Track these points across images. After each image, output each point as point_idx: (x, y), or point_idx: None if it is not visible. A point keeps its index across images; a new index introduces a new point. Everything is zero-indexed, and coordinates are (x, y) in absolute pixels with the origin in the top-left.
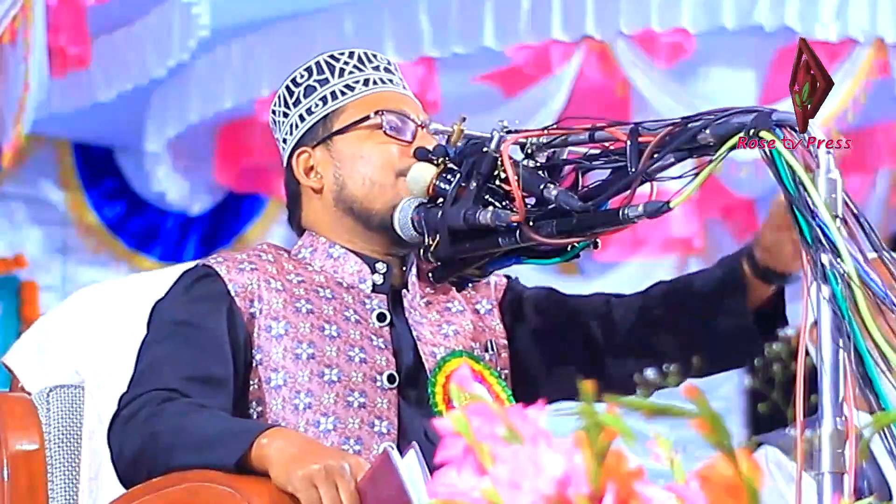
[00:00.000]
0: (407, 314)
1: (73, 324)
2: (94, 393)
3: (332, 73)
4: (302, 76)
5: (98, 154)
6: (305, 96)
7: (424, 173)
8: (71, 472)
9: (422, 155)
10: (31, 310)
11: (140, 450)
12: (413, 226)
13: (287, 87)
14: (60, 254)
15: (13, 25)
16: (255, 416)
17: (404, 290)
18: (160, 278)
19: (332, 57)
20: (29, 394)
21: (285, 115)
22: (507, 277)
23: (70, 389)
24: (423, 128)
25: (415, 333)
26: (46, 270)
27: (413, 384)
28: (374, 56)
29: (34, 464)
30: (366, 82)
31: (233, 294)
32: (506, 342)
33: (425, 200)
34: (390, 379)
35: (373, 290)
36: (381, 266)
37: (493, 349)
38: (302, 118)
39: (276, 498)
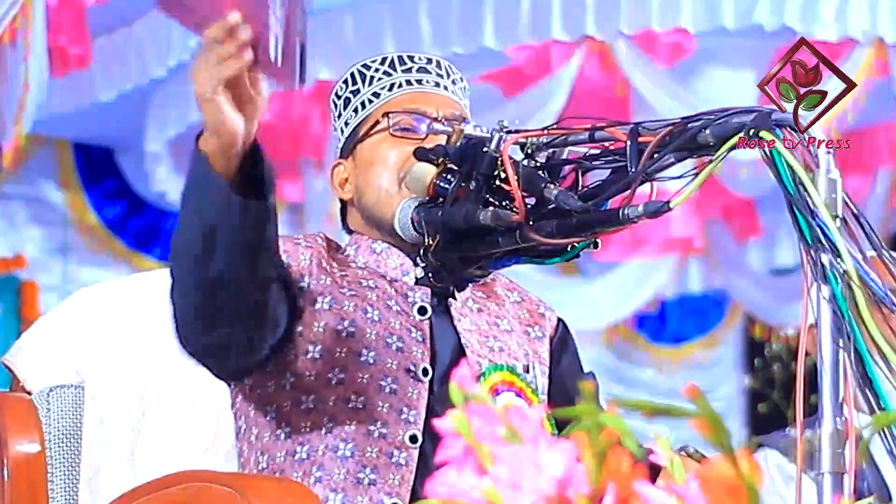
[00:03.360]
0: (456, 322)
1: (73, 324)
2: (94, 393)
3: (364, 82)
4: (341, 88)
5: (98, 154)
6: (344, 108)
7: (424, 173)
8: (71, 472)
9: (422, 155)
10: (31, 310)
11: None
12: (413, 226)
13: (332, 101)
14: (60, 254)
15: (13, 25)
16: (287, 387)
17: (451, 300)
18: (160, 278)
19: (364, 66)
20: (29, 394)
21: (334, 129)
22: (560, 320)
23: (70, 389)
24: (445, 121)
25: (463, 341)
26: (46, 270)
27: (448, 384)
28: (410, 58)
29: (34, 464)
30: (391, 87)
31: (286, 263)
32: (548, 370)
33: (425, 200)
34: (424, 372)
35: (415, 283)
36: (422, 260)
37: (532, 372)
38: (342, 131)
39: (277, 498)
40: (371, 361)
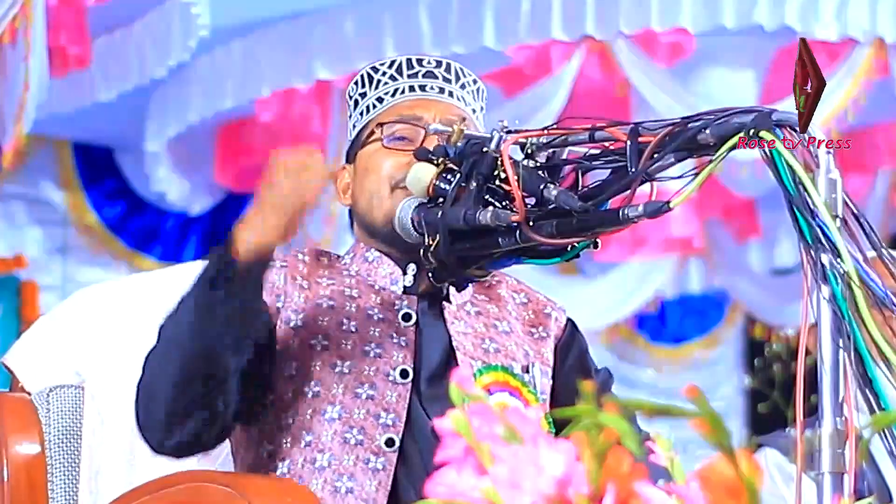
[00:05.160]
0: (449, 325)
1: (73, 324)
2: (94, 393)
3: (370, 86)
4: (352, 89)
5: (98, 154)
6: (354, 110)
7: (424, 173)
8: (71, 472)
9: (422, 155)
10: (31, 310)
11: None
12: (413, 226)
13: (347, 100)
14: (60, 254)
15: (13, 25)
16: (268, 405)
17: (445, 304)
18: (160, 278)
19: (373, 68)
20: (29, 394)
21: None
22: (569, 320)
23: (70, 389)
24: (437, 133)
25: (455, 343)
26: (46, 270)
27: (437, 385)
28: (419, 62)
29: (34, 464)
30: (394, 92)
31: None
32: (550, 371)
33: (425, 200)
34: (403, 374)
35: (403, 292)
36: (411, 267)
37: (532, 372)
38: (350, 133)
39: (276, 497)
40: (346, 371)
